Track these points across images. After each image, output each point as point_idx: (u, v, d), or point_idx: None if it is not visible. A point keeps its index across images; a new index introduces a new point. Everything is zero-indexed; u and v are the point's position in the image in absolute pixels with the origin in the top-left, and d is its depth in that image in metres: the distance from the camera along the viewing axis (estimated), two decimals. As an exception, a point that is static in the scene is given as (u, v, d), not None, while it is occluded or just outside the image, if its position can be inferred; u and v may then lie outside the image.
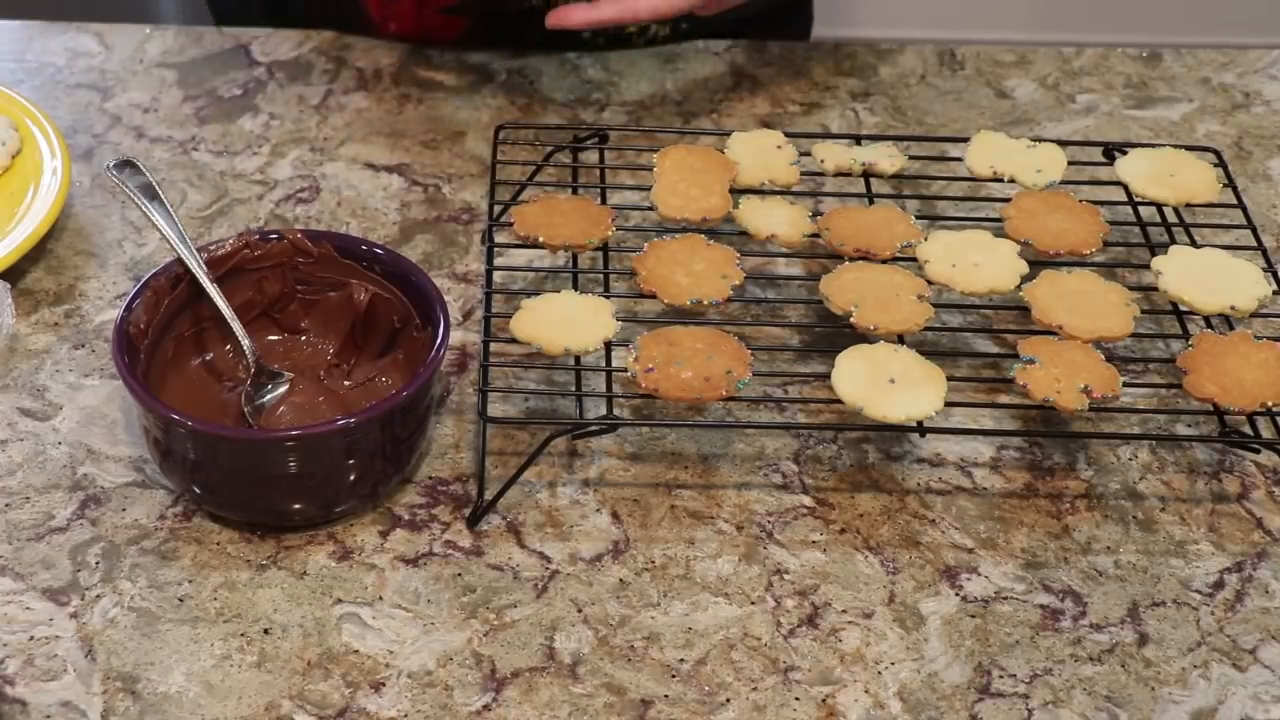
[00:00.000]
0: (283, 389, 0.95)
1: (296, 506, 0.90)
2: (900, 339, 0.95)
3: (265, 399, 0.94)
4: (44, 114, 1.15)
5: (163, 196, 0.97)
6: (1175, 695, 0.85)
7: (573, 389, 0.94)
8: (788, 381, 1.01)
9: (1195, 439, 0.96)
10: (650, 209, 1.03)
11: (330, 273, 0.98)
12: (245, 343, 0.95)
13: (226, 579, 0.89)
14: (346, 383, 0.98)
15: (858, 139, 1.10)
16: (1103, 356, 0.94)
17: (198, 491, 0.90)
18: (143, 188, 0.97)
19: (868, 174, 1.07)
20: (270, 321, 0.99)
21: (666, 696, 0.84)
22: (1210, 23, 2.36)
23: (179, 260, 0.94)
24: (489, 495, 0.92)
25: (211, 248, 0.96)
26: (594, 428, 0.91)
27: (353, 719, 0.82)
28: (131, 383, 0.88)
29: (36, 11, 1.33)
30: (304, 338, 1.00)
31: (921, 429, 0.91)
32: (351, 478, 0.90)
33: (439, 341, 0.90)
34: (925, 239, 1.01)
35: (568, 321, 0.94)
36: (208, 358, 0.98)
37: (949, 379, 0.92)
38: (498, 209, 1.04)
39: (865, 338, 0.95)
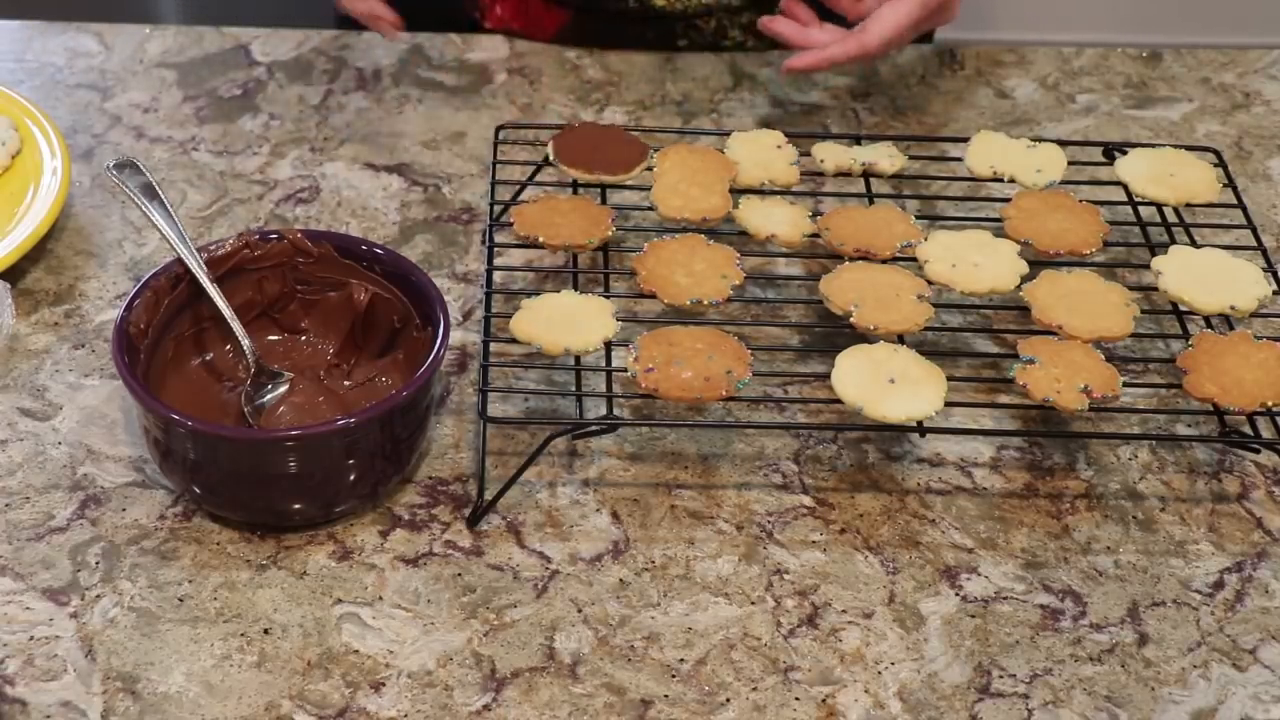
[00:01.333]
0: (283, 389, 0.95)
1: (296, 506, 0.90)
2: (900, 339, 0.95)
3: (265, 399, 0.94)
4: (44, 114, 1.15)
5: (163, 196, 0.97)
6: (1175, 695, 0.85)
7: (573, 389, 0.94)
8: (788, 381, 1.01)
9: (1195, 439, 0.96)
10: (650, 209, 1.03)
11: (330, 273, 0.98)
12: (245, 343, 0.95)
13: (226, 579, 0.89)
14: (346, 383, 0.98)
15: (858, 139, 1.10)
16: (1103, 356, 0.94)
17: (198, 491, 0.90)
18: (143, 188, 0.97)
19: (868, 174, 1.07)
20: (270, 321, 0.99)
21: (666, 696, 0.84)
22: (1210, 23, 2.35)
23: (179, 260, 0.94)
24: (489, 495, 0.92)
25: (211, 248, 0.96)
26: (594, 428, 0.91)
27: (353, 719, 0.82)
28: (131, 383, 0.88)
29: (36, 11, 1.33)
30: (304, 338, 1.00)
31: (921, 429, 0.91)
32: (351, 478, 0.89)
33: (439, 341, 0.90)
34: (925, 239, 1.01)
35: (568, 321, 0.94)
36: (208, 358, 0.98)
37: (949, 379, 0.92)
38: (498, 209, 1.04)
39: (865, 338, 0.95)
